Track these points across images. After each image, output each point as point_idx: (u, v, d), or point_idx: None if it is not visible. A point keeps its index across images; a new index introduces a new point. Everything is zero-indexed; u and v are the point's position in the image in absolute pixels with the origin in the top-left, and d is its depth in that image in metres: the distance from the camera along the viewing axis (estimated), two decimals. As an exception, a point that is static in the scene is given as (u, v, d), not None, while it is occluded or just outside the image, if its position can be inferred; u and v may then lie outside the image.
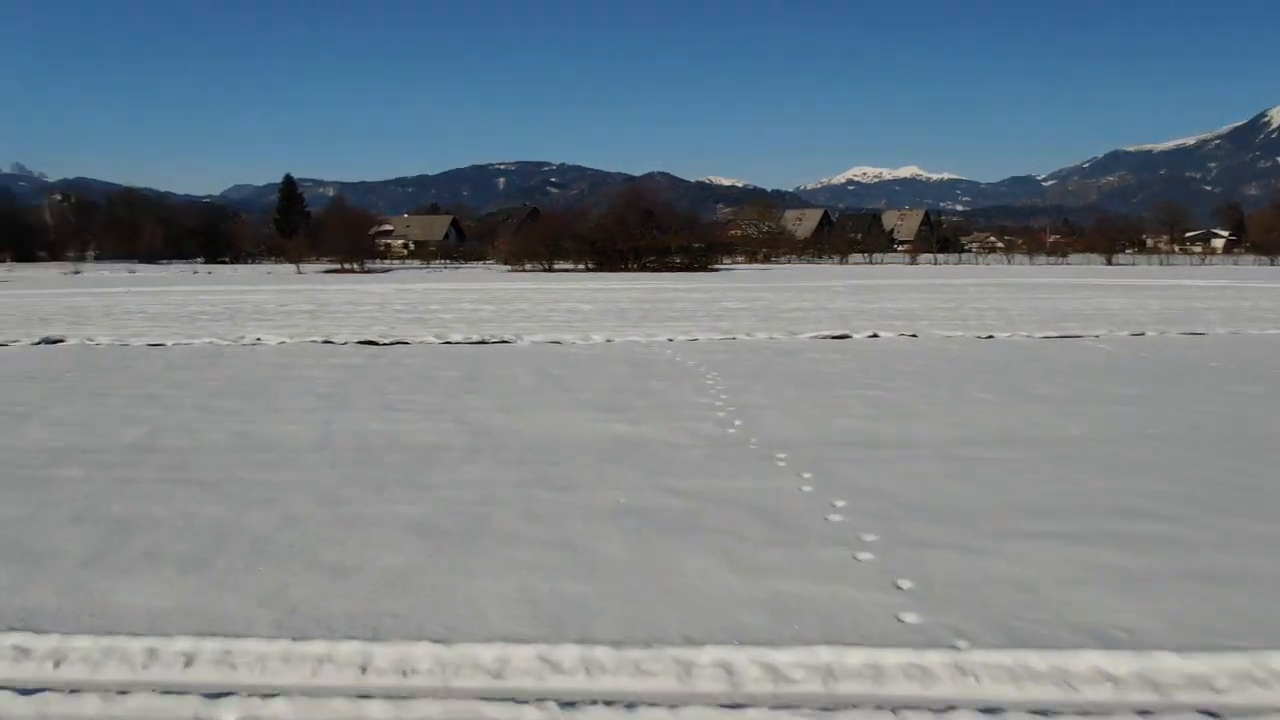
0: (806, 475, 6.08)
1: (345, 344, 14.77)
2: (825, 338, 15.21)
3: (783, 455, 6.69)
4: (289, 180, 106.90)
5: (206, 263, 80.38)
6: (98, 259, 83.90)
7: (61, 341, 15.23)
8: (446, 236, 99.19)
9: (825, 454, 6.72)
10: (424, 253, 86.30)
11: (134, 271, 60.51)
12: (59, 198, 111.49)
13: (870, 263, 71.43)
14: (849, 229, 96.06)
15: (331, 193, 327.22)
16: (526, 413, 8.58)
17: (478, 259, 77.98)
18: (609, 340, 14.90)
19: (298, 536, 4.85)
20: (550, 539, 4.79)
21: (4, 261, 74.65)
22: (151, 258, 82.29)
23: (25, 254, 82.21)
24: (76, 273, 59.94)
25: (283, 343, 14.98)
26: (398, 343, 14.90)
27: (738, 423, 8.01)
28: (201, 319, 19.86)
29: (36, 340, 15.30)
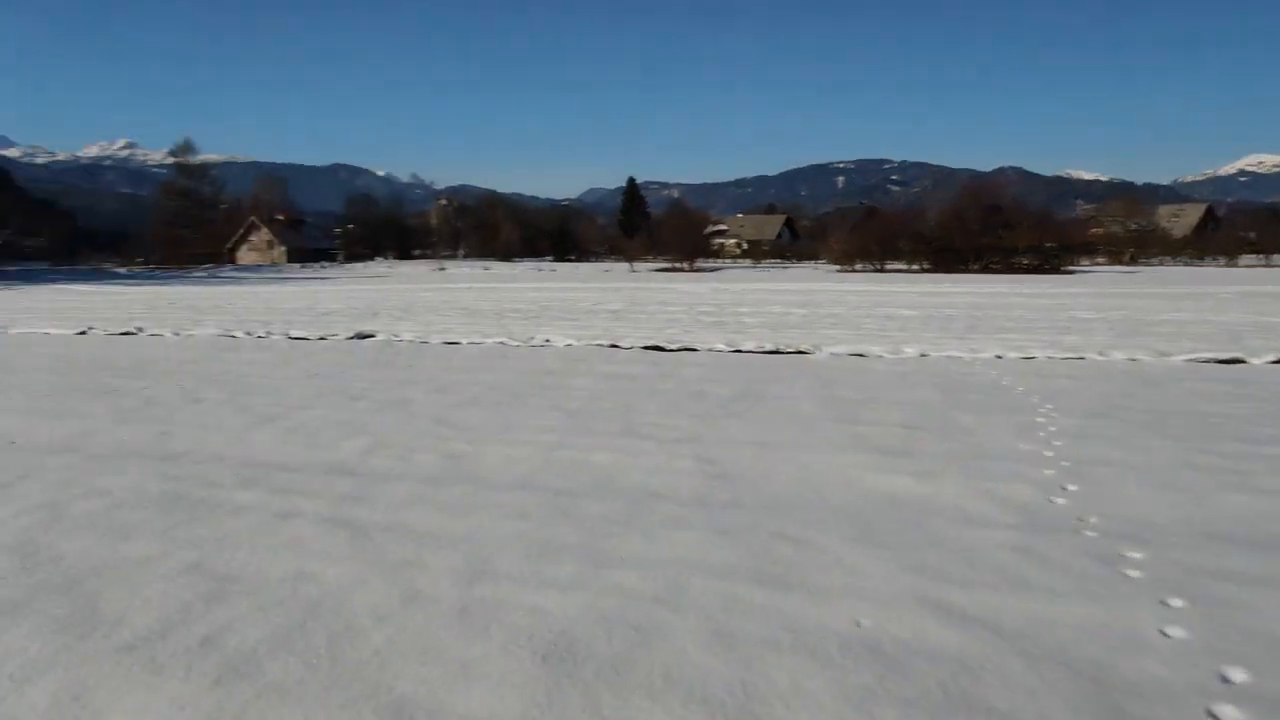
0: (1176, 603, 3.84)
1: (630, 349, 13.81)
2: (1208, 361, 11.87)
3: (1137, 556, 4.43)
4: (632, 183, 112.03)
5: (555, 260, 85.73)
6: (465, 257, 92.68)
7: (371, 337, 15.70)
8: (779, 236, 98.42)
9: (1209, 560, 4.36)
10: (756, 252, 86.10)
11: (489, 269, 65.61)
12: (444, 203, 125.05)
13: (1267, 265, 60.45)
14: (1240, 226, 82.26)
15: (676, 194, 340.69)
16: (787, 450, 6.85)
17: (809, 258, 76.33)
18: (923, 355, 12.65)
19: (393, 636, 3.56)
20: (725, 691, 3.09)
21: (387, 258, 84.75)
22: (508, 255, 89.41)
23: (406, 252, 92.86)
24: (442, 269, 66.16)
25: (569, 345, 14.34)
26: (685, 349, 13.69)
27: (1071, 487, 5.74)
28: (510, 316, 20.02)
29: (351, 335, 15.90)
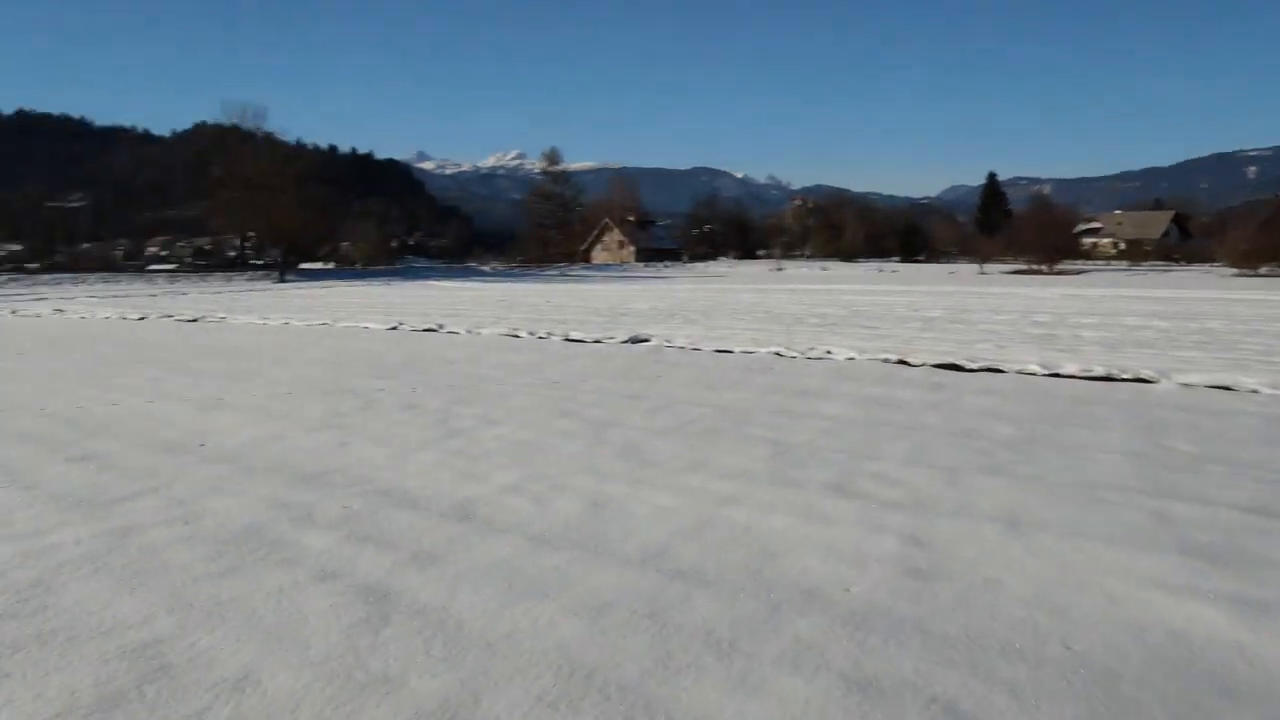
0: None
1: (919, 366, 11.71)
2: None
3: None
4: (991, 178, 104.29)
5: (902, 261, 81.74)
6: (810, 257, 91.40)
7: (645, 341, 14.88)
8: (1165, 235, 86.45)
9: None
10: (1135, 253, 76.31)
11: (826, 269, 63.81)
12: (798, 203, 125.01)
13: None
14: None
15: (1047, 190, 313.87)
16: (1047, 533, 4.79)
17: (1201, 260, 66.05)
18: (1319, 391, 9.36)
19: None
20: None
21: (730, 258, 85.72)
22: (852, 256, 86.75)
23: (749, 252, 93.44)
24: (779, 269, 65.41)
25: (850, 359, 12.50)
26: (987, 369, 11.36)
27: None
28: (807, 322, 18.39)
29: (626, 339, 15.19)
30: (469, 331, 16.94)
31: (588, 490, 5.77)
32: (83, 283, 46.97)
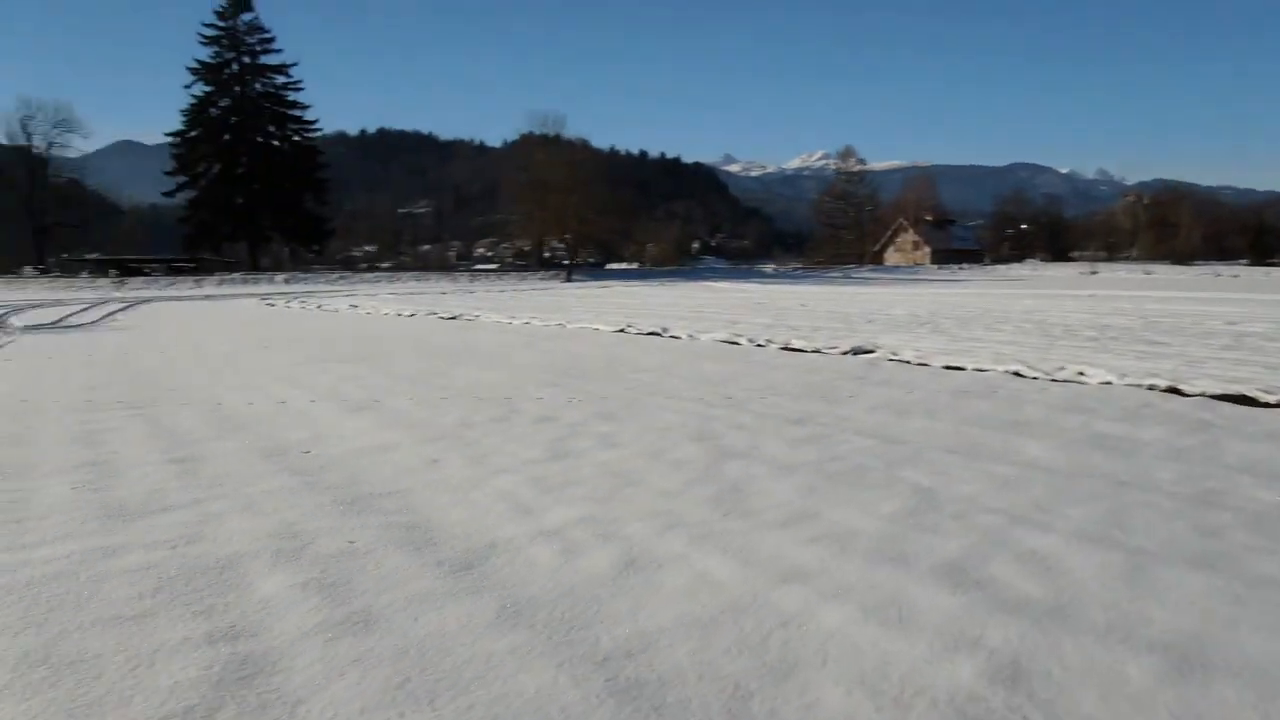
0: None
1: (1194, 397, 9.35)
2: None
3: None
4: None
5: (1251, 264, 70.96)
6: (1135, 259, 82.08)
7: (868, 353, 13.31)
8: None
9: None
10: None
11: (1150, 274, 56.66)
12: (1131, 199, 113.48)
13: None
14: None
15: None
16: (1230, 689, 3.11)
17: None
18: None
19: None
20: None
21: (1035, 259, 78.70)
22: (1187, 258, 76.59)
23: (1061, 253, 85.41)
24: (1093, 273, 59.15)
25: (1105, 383, 10.31)
26: (1288, 404, 8.84)
27: None
28: (1079, 335, 15.77)
29: (847, 350, 13.69)
30: (689, 336, 16.16)
31: (637, 542, 4.72)
32: (396, 280, 51.75)
